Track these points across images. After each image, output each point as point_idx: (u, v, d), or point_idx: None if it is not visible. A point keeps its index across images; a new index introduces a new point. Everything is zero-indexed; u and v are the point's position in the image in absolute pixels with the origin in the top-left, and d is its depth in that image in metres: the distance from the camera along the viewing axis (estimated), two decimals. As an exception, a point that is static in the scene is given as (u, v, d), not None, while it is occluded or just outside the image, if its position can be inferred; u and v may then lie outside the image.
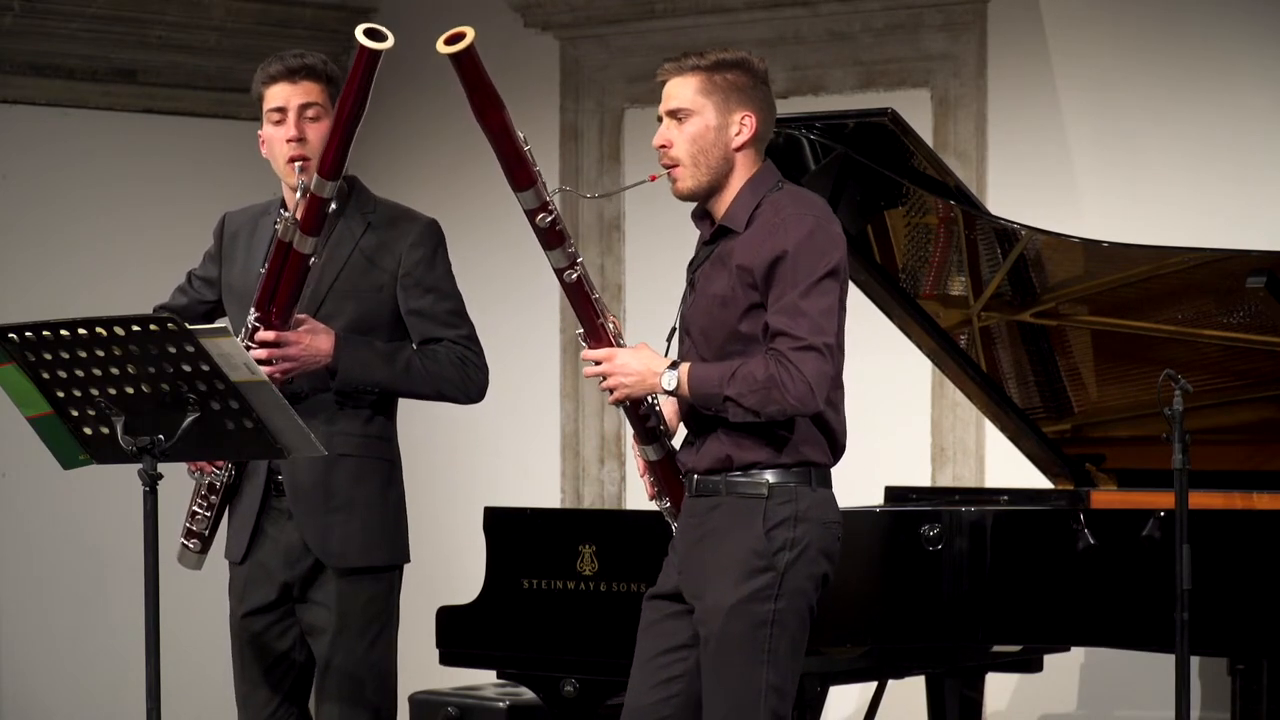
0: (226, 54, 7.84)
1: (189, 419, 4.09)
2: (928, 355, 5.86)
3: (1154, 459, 5.29)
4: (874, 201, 5.50)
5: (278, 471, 4.61)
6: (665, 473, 4.35)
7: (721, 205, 4.23)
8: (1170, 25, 6.65)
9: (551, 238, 4.21)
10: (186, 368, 4.04)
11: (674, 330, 4.31)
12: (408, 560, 4.77)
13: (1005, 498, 5.84)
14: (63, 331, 4.06)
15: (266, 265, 4.50)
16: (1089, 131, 6.78)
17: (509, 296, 7.84)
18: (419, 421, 7.80)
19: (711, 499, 4.20)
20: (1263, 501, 5.38)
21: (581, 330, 4.29)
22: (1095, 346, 5.68)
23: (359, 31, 4.29)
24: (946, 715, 5.88)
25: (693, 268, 4.30)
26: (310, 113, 4.59)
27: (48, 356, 4.10)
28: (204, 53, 7.75)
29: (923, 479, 7.00)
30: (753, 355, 4.13)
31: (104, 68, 7.61)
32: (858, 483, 6.41)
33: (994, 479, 6.87)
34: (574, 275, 4.24)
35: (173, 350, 4.03)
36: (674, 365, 4.17)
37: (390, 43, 4.30)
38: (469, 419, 7.98)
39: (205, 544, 4.68)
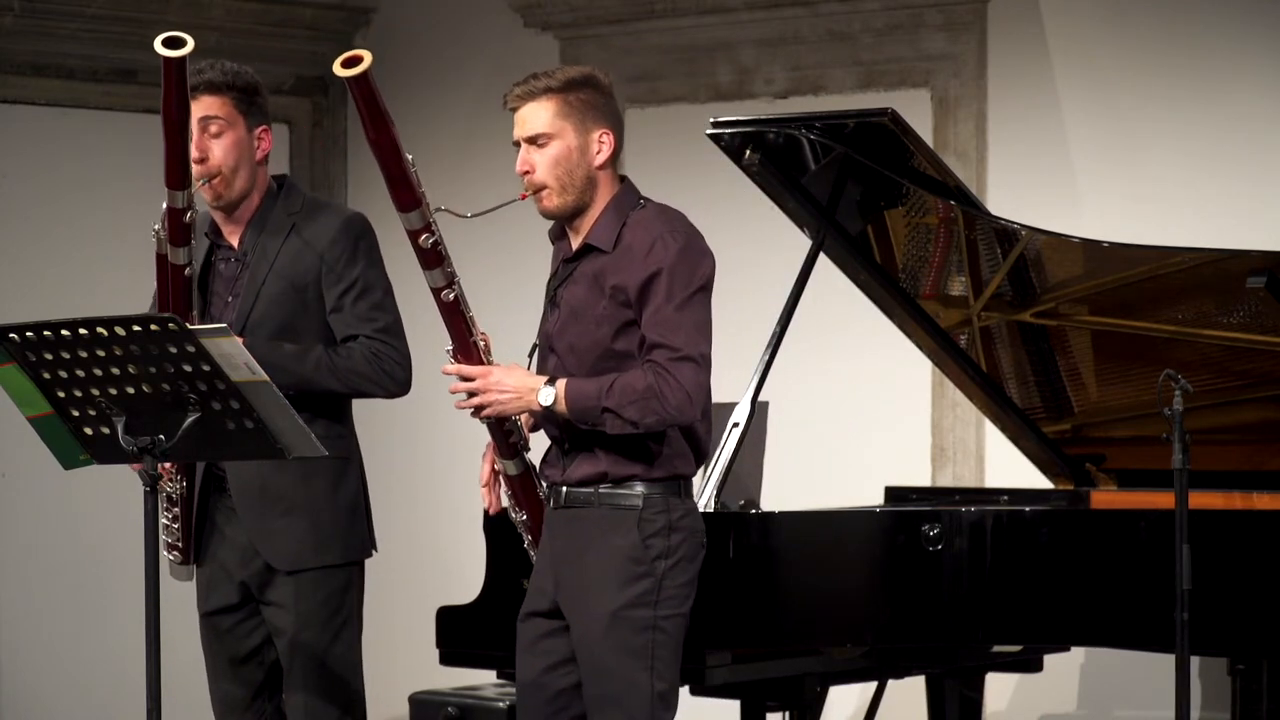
0: (226, 54, 7.76)
1: (189, 419, 4.09)
2: (928, 355, 5.86)
3: (1154, 459, 5.29)
4: (874, 201, 5.50)
5: (220, 471, 4.62)
6: (525, 486, 4.39)
7: (585, 223, 4.28)
8: (1170, 25, 6.65)
9: (431, 258, 4.27)
10: (187, 368, 4.05)
11: (535, 347, 4.34)
12: (368, 555, 4.77)
13: (1005, 498, 5.84)
14: (63, 331, 4.06)
15: (156, 281, 4.54)
16: (1089, 131, 6.78)
17: (507, 297, 7.82)
18: (419, 423, 7.80)
19: (581, 510, 4.25)
20: (1263, 501, 5.38)
21: (450, 348, 4.31)
22: (1095, 346, 5.68)
23: (157, 43, 4.33)
24: (946, 715, 5.88)
25: (553, 286, 4.32)
26: (213, 128, 4.60)
27: (48, 356, 4.10)
28: (204, 53, 7.67)
29: (923, 479, 7.00)
30: (627, 370, 4.16)
31: (104, 68, 7.61)
32: (858, 483, 6.43)
33: (994, 479, 6.87)
34: (451, 295, 4.30)
35: (173, 350, 4.03)
36: (551, 381, 4.20)
37: (190, 47, 4.32)
38: (469, 419, 7.97)
39: (186, 554, 4.70)
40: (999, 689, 6.74)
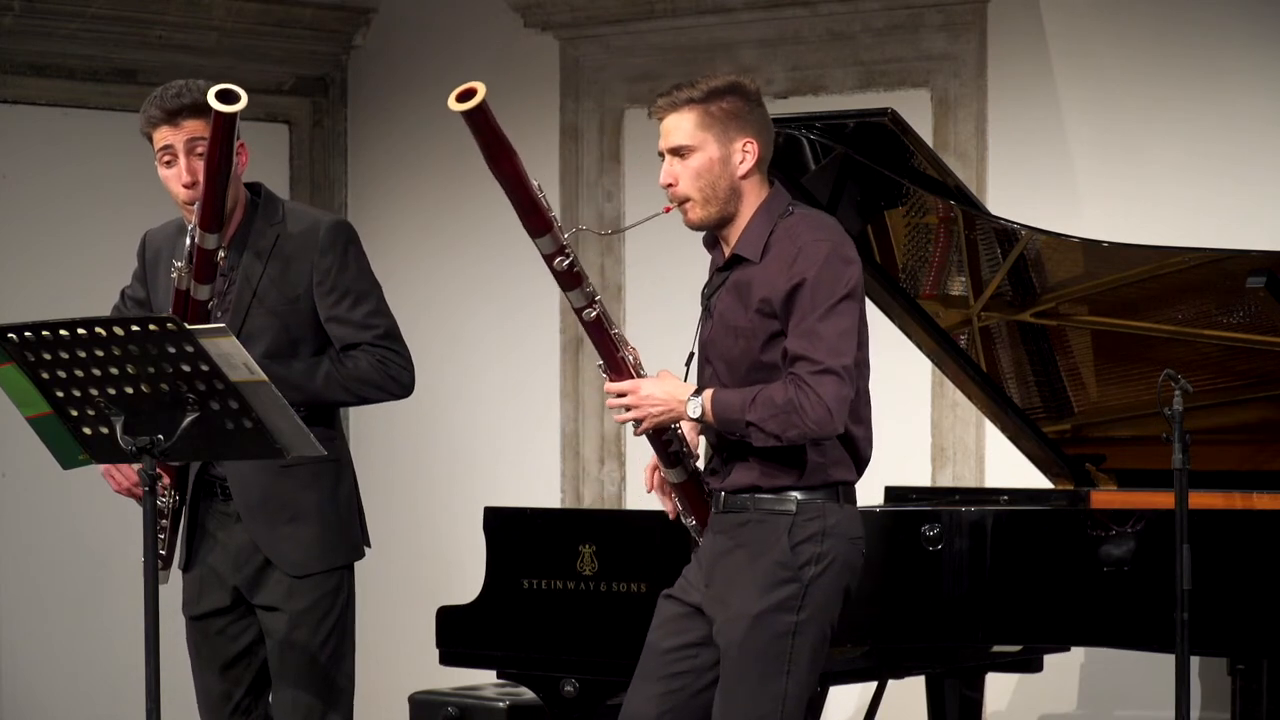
0: (226, 54, 7.84)
1: (188, 419, 4.09)
2: (928, 355, 5.86)
3: (1154, 459, 5.29)
4: (874, 201, 5.50)
5: (220, 477, 4.63)
6: (690, 493, 4.37)
7: (734, 232, 4.25)
8: (1170, 26, 6.65)
9: (570, 279, 4.22)
10: (186, 368, 4.05)
11: (692, 356, 4.33)
12: (361, 556, 4.77)
13: (1005, 498, 5.84)
14: (62, 331, 4.06)
15: (171, 312, 4.53)
16: (1089, 131, 6.78)
17: (509, 296, 7.84)
18: (420, 421, 7.81)
19: (740, 515, 4.24)
20: (1263, 501, 5.37)
21: (602, 364, 4.30)
22: (1095, 346, 5.68)
23: (211, 95, 4.29)
24: (946, 715, 5.88)
25: (707, 294, 4.31)
26: (200, 149, 4.51)
27: (47, 356, 4.10)
28: (204, 53, 7.75)
29: (923, 479, 7.00)
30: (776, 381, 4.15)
31: (104, 68, 7.61)
32: (858, 483, 6.42)
33: (994, 479, 6.87)
34: (593, 313, 4.25)
35: (172, 350, 4.04)
36: (698, 392, 4.20)
37: (243, 103, 4.29)
38: (469, 419, 7.99)
39: (166, 561, 4.70)
40: (999, 689, 6.74)
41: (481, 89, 4.08)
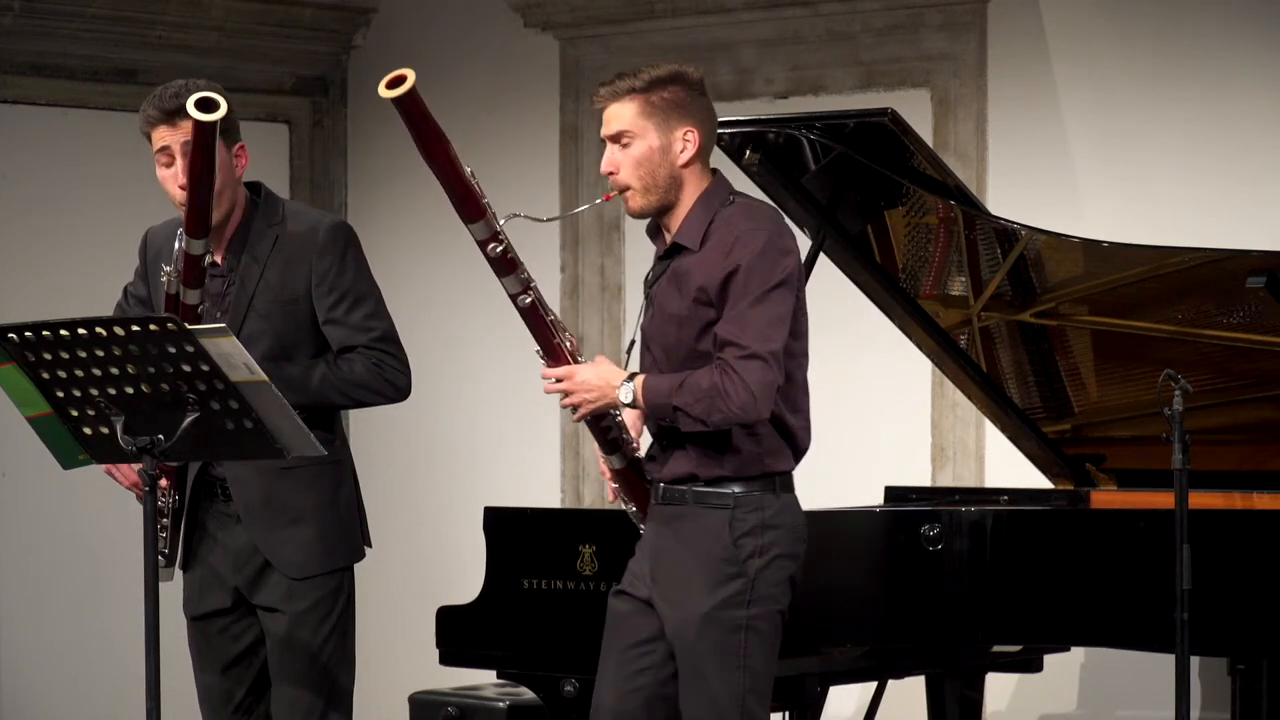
0: (226, 54, 7.84)
1: (189, 419, 4.09)
2: (928, 355, 5.86)
3: (1154, 459, 5.29)
4: (874, 201, 5.50)
5: (220, 477, 4.63)
6: (630, 479, 4.39)
7: (675, 221, 4.26)
8: (1170, 26, 6.65)
9: (504, 265, 4.26)
10: (186, 368, 4.05)
11: (633, 343, 4.35)
12: (362, 557, 4.77)
13: (1005, 498, 5.84)
14: (63, 331, 4.06)
15: None
16: (1089, 131, 6.78)
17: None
18: (419, 421, 7.81)
19: (678, 507, 4.25)
20: (1263, 501, 5.38)
21: (539, 350, 4.31)
22: (1095, 346, 5.68)
23: (190, 105, 4.28)
24: (946, 715, 5.88)
25: (649, 282, 4.32)
26: None
27: (47, 356, 4.10)
28: (204, 53, 7.75)
29: (923, 479, 7.00)
30: None
31: (104, 68, 7.61)
32: (858, 483, 6.42)
33: (994, 479, 6.87)
34: (528, 300, 4.29)
35: (172, 350, 4.04)
36: (631, 378, 4.22)
37: (223, 111, 4.28)
38: (469, 419, 7.99)
39: (170, 559, 4.71)
40: (999, 689, 6.74)
41: (411, 75, 4.10)
